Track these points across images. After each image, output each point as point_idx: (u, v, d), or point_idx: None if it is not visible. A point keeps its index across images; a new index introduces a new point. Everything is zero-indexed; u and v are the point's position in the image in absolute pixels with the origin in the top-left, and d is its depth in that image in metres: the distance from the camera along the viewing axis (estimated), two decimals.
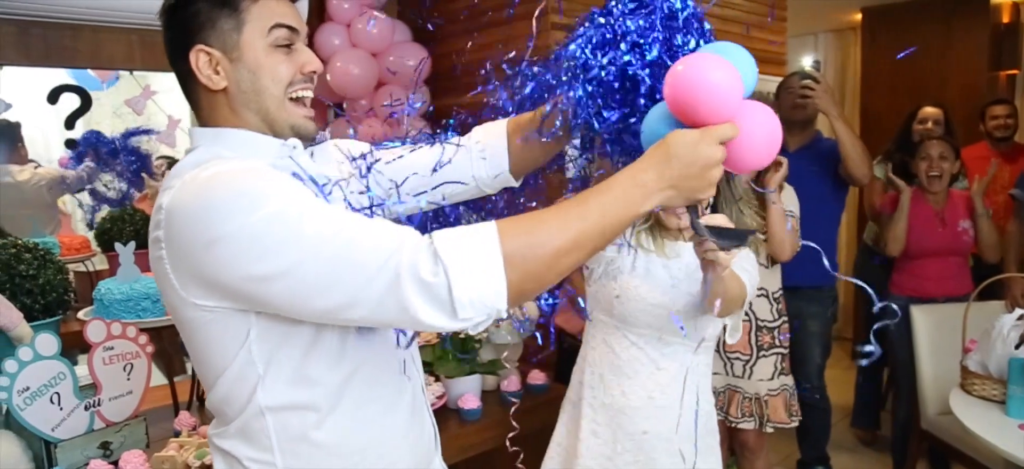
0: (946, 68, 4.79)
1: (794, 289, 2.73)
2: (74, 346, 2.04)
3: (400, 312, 0.87)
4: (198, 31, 1.00)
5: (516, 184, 1.29)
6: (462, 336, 2.19)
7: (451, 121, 1.30)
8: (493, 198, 1.35)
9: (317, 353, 1.01)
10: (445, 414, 2.15)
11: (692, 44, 1.05)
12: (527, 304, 2.26)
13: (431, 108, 3.12)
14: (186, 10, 1.00)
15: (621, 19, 1.06)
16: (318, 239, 0.87)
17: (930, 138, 3.16)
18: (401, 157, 1.25)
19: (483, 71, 1.27)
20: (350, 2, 2.97)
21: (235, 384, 1.00)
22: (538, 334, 1.36)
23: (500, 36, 2.71)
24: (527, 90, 1.23)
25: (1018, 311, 2.32)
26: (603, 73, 1.06)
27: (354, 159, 1.18)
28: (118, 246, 2.14)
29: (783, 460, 3.50)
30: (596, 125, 1.10)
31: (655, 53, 1.03)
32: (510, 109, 1.28)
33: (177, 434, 1.92)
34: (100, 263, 2.87)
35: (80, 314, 2.17)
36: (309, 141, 1.08)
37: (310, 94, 1.07)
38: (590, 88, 1.07)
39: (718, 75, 0.92)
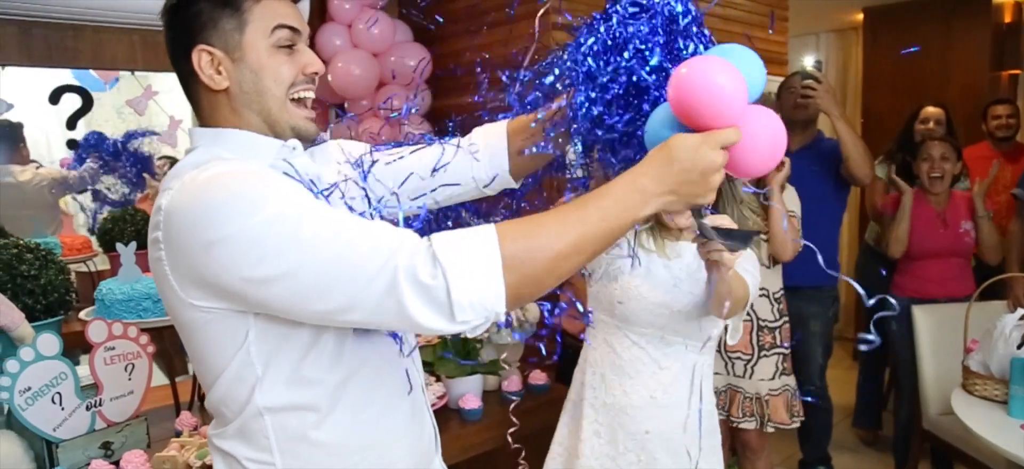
0: (948, 68, 4.79)
1: (795, 289, 2.73)
2: (76, 346, 2.04)
3: (398, 314, 0.87)
4: (200, 31, 1.00)
5: (516, 185, 1.29)
6: (462, 338, 2.19)
7: (450, 124, 1.30)
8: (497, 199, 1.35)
9: (316, 354, 1.01)
10: (446, 414, 2.15)
11: (690, 48, 1.05)
12: (528, 306, 2.26)
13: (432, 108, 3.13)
14: (188, 10, 1.00)
15: (621, 26, 1.05)
16: (317, 242, 0.87)
17: (932, 139, 3.16)
18: (401, 158, 1.24)
19: (479, 73, 1.27)
20: (351, 2, 2.97)
21: (234, 385, 1.00)
22: (543, 346, 1.35)
23: (501, 36, 2.71)
24: (529, 98, 1.23)
25: (1020, 311, 2.32)
26: (606, 80, 1.05)
27: (356, 165, 1.18)
28: (119, 246, 2.14)
29: (785, 460, 3.50)
30: (599, 133, 1.09)
31: (656, 60, 1.02)
32: (513, 105, 1.27)
33: (178, 434, 1.92)
34: (102, 263, 2.87)
35: (82, 314, 2.17)
36: (310, 142, 1.08)
37: (312, 95, 1.07)
38: (594, 94, 1.07)
39: (722, 79, 0.91)
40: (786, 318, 2.60)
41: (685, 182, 0.92)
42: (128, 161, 3.10)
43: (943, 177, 3.04)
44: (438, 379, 2.23)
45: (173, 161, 3.12)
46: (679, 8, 1.04)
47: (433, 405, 2.12)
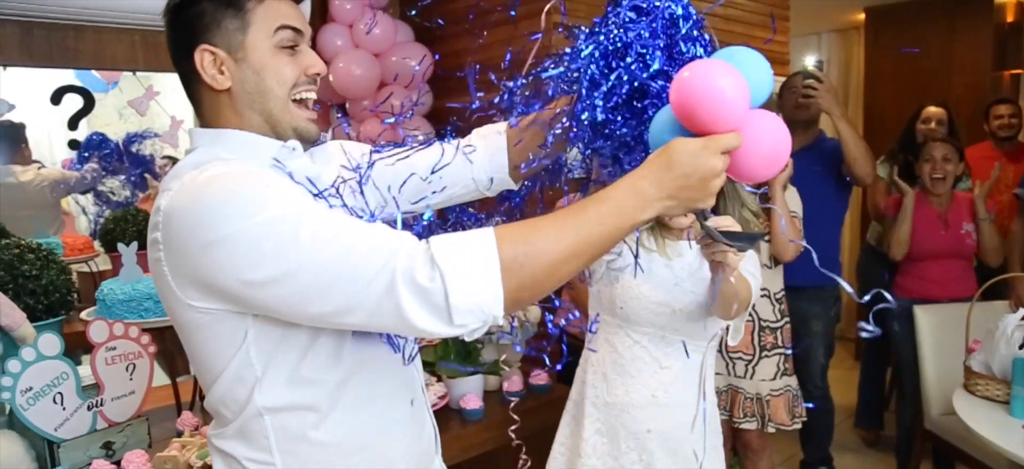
0: (950, 67, 4.78)
1: (797, 289, 2.72)
2: (77, 346, 2.05)
3: (396, 317, 0.87)
4: (203, 31, 1.00)
5: (515, 187, 1.29)
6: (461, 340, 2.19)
7: (449, 128, 1.30)
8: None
9: (315, 354, 1.01)
10: (447, 414, 2.15)
11: (692, 51, 1.04)
12: (529, 307, 2.26)
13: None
14: (191, 10, 1.00)
15: (621, 31, 1.05)
16: (315, 245, 0.87)
17: (934, 139, 3.15)
18: (402, 159, 1.24)
19: (477, 78, 1.27)
20: (352, 3, 2.97)
21: (233, 385, 1.00)
22: (547, 358, 1.35)
23: (503, 36, 2.70)
24: (525, 106, 1.23)
25: (1022, 311, 2.31)
26: (608, 88, 1.05)
27: (355, 169, 1.17)
28: (121, 246, 2.15)
29: (786, 460, 3.49)
30: (599, 140, 1.09)
31: (657, 65, 1.02)
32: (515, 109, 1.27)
33: (179, 434, 1.92)
34: (103, 263, 2.87)
35: (83, 314, 2.17)
36: (311, 143, 1.08)
37: (313, 96, 1.07)
38: (598, 102, 1.06)
39: (723, 82, 0.90)
40: (787, 318, 2.59)
41: (685, 187, 0.92)
42: (130, 163, 3.11)
43: (945, 178, 3.03)
44: (439, 379, 2.23)
45: (175, 161, 3.12)
46: (679, 11, 1.04)
47: (434, 405, 2.12)
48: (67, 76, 3.12)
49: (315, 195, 0.98)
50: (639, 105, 1.06)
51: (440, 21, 2.90)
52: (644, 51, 1.02)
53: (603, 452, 1.80)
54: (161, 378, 2.12)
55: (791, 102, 3.01)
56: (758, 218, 1.80)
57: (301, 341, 0.99)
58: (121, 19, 2.65)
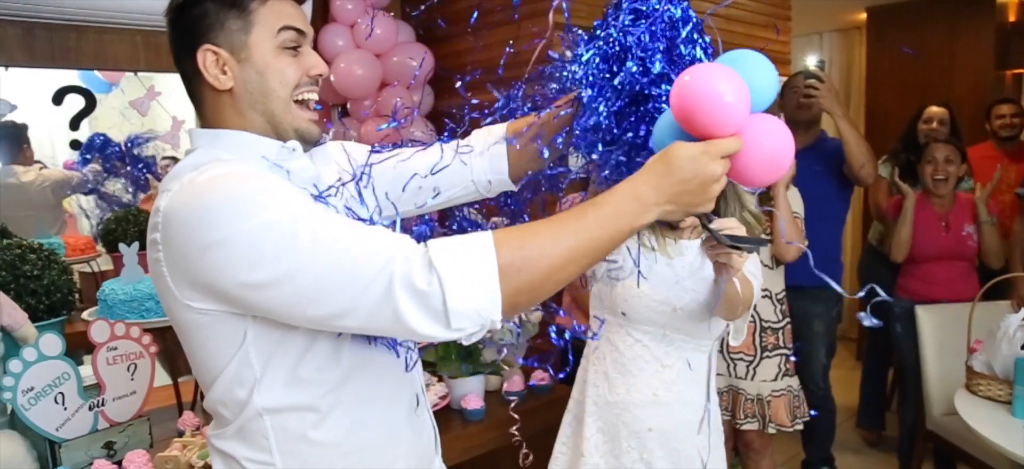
0: (951, 67, 4.77)
1: (799, 289, 2.72)
2: (79, 346, 2.05)
3: (394, 321, 0.87)
4: (206, 31, 1.00)
5: (515, 188, 1.29)
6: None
7: (447, 130, 1.30)
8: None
9: (315, 354, 1.01)
10: (448, 414, 2.15)
11: (694, 53, 1.04)
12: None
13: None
14: (194, 10, 1.00)
15: (621, 34, 1.04)
16: (313, 248, 0.86)
17: (936, 140, 3.15)
18: (404, 160, 1.24)
19: (474, 77, 1.27)
20: (354, 3, 2.97)
21: (232, 386, 1.00)
22: (551, 369, 1.36)
23: (505, 36, 2.70)
24: (529, 106, 1.23)
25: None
26: (609, 96, 1.05)
27: (356, 173, 1.17)
28: (122, 247, 2.15)
29: (788, 460, 3.49)
30: (600, 146, 1.09)
31: (659, 67, 1.02)
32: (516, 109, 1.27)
33: (181, 434, 1.93)
34: (105, 264, 2.88)
35: (84, 314, 2.17)
36: (312, 144, 1.08)
37: (315, 97, 1.07)
38: (600, 110, 1.06)
39: (723, 87, 0.90)
40: (788, 319, 2.59)
41: (684, 192, 0.91)
42: (132, 165, 3.11)
43: (947, 179, 3.03)
44: (440, 379, 2.23)
45: (177, 161, 3.12)
46: (678, 13, 1.03)
47: (435, 405, 2.12)
48: (70, 76, 3.12)
49: (315, 197, 0.98)
50: (641, 110, 1.05)
51: (441, 22, 2.90)
52: (644, 55, 1.02)
53: (605, 451, 1.80)
54: (162, 378, 2.12)
55: (793, 102, 3.01)
56: (759, 221, 1.80)
57: (300, 342, 0.99)
58: (122, 20, 2.65)
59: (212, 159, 0.99)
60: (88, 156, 3.12)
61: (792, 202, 2.55)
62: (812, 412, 2.55)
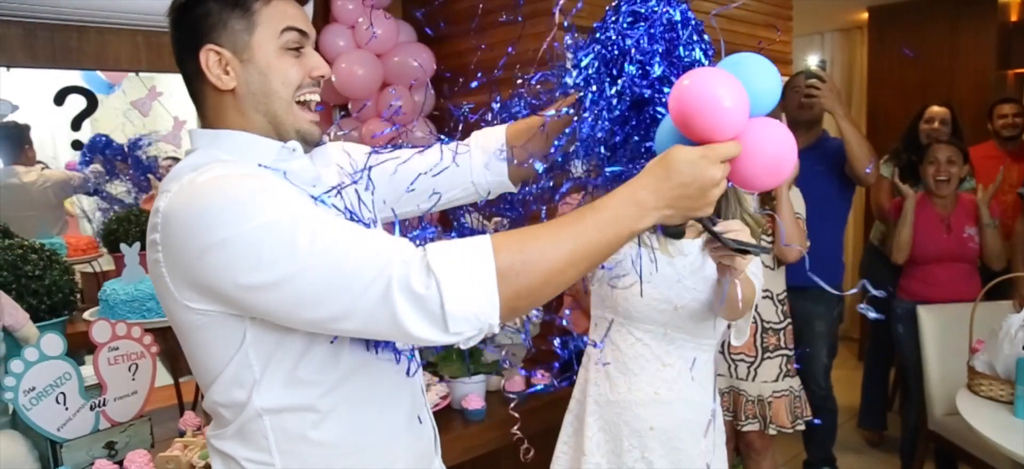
0: (953, 67, 4.77)
1: (800, 289, 2.72)
2: (81, 346, 2.05)
3: (391, 324, 0.87)
4: (209, 31, 1.00)
5: (515, 190, 1.29)
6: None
7: (444, 138, 1.30)
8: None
9: (314, 355, 1.01)
10: (449, 415, 2.15)
11: (694, 55, 1.04)
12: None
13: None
14: (197, 10, 1.01)
15: (620, 37, 1.04)
16: (311, 251, 0.86)
17: (938, 141, 3.14)
18: (406, 162, 1.24)
19: (480, 77, 1.27)
20: (355, 3, 2.97)
21: (232, 386, 1.00)
22: (556, 381, 1.36)
23: (506, 36, 2.70)
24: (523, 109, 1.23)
25: None
26: (609, 104, 1.05)
27: (356, 176, 1.17)
28: (123, 247, 2.15)
29: (789, 460, 3.49)
30: (602, 150, 1.09)
31: (659, 70, 1.01)
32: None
33: (182, 434, 1.93)
34: (107, 264, 2.88)
35: (86, 314, 2.17)
36: (312, 145, 1.08)
37: (317, 98, 1.07)
38: (601, 115, 1.06)
39: (721, 92, 0.89)
40: (790, 320, 2.59)
41: (683, 197, 0.91)
42: (134, 167, 3.11)
43: (949, 180, 3.03)
44: (441, 379, 2.23)
45: (178, 162, 3.12)
46: (677, 16, 1.03)
47: (436, 406, 2.12)
48: (72, 77, 3.12)
49: (315, 199, 0.98)
50: (643, 114, 1.05)
51: (441, 23, 2.89)
52: (643, 58, 1.02)
53: (606, 450, 1.80)
54: (164, 378, 2.12)
55: (794, 102, 3.00)
56: (757, 224, 1.80)
57: (300, 342, 0.99)
58: (124, 20, 2.65)
59: (212, 160, 0.99)
60: (90, 156, 3.12)
61: (794, 202, 2.55)
62: (815, 420, 2.55)
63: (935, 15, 4.86)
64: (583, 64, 1.07)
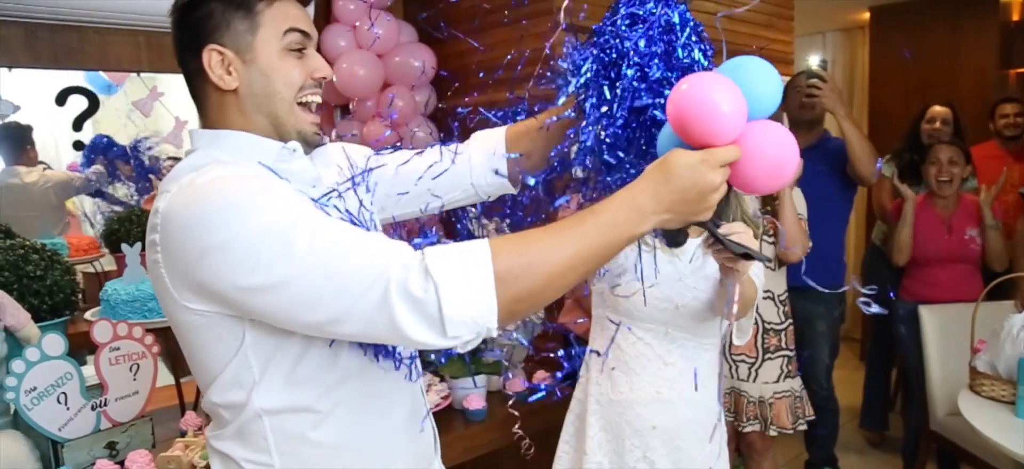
0: (955, 66, 4.76)
1: (801, 289, 2.72)
2: (82, 346, 2.05)
3: (389, 328, 0.87)
4: (212, 31, 1.00)
5: (515, 191, 1.29)
6: None
7: (442, 140, 1.30)
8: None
9: (314, 355, 1.01)
10: (450, 415, 2.15)
11: (688, 57, 1.03)
12: None
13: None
14: (200, 9, 1.01)
15: (618, 40, 1.04)
16: (309, 254, 0.86)
17: (940, 141, 3.14)
18: (402, 164, 1.24)
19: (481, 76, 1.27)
20: (356, 3, 2.97)
21: (231, 387, 1.00)
22: (558, 390, 1.36)
23: (508, 36, 2.70)
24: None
25: None
26: (609, 110, 1.05)
27: (356, 178, 1.17)
28: (125, 247, 2.15)
29: (791, 461, 3.48)
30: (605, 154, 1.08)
31: (657, 73, 1.01)
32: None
33: (183, 434, 1.93)
34: (108, 264, 2.88)
35: (87, 315, 2.18)
36: (313, 147, 1.09)
37: (318, 99, 1.07)
38: (601, 122, 1.06)
39: (717, 97, 0.89)
40: (791, 320, 2.59)
41: (682, 201, 0.91)
42: (137, 169, 3.12)
43: (951, 181, 3.02)
44: (442, 379, 2.23)
45: (179, 162, 3.12)
46: (676, 17, 1.03)
47: (437, 406, 2.12)
48: (74, 77, 3.12)
49: (315, 201, 0.98)
50: (643, 118, 1.05)
51: (442, 24, 2.89)
52: (641, 61, 1.02)
53: (608, 450, 1.80)
54: (165, 378, 2.12)
55: (795, 102, 3.00)
56: (757, 227, 1.80)
57: (299, 343, 0.99)
58: (125, 20, 2.65)
59: (211, 161, 0.99)
60: (92, 157, 3.13)
61: (796, 202, 2.55)
62: (816, 430, 2.53)
63: (936, 15, 4.86)
64: (583, 71, 1.07)
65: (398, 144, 1.32)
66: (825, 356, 2.99)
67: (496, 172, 1.25)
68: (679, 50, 1.02)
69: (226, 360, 0.98)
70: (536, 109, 1.25)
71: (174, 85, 3.13)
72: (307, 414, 1.02)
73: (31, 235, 2.35)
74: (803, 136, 3.00)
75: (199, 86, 1.04)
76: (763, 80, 0.96)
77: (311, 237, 0.87)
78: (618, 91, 1.03)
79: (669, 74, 1.01)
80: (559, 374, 1.30)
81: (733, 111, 0.90)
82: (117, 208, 3.08)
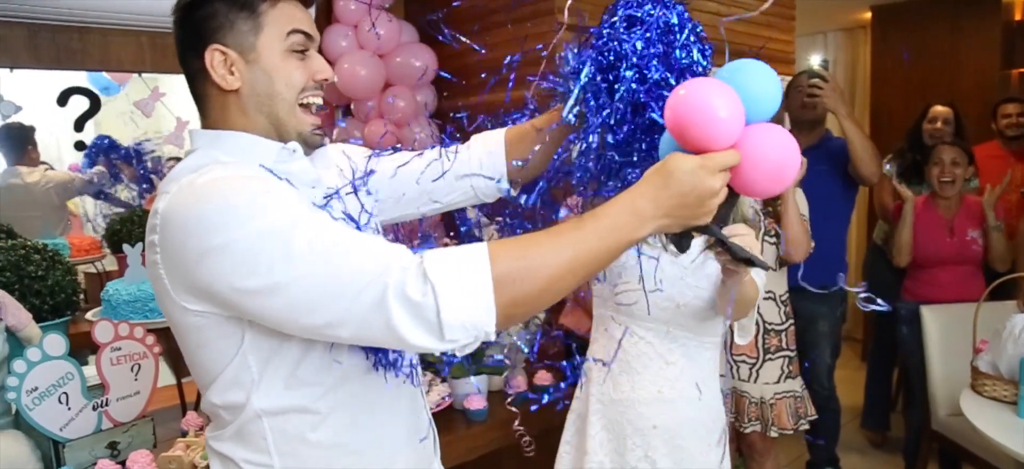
0: (957, 66, 4.75)
1: (803, 290, 2.71)
2: (83, 347, 2.05)
3: (386, 331, 0.87)
4: (215, 31, 1.00)
5: (514, 193, 1.29)
6: None
7: (448, 131, 1.30)
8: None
9: (313, 356, 1.01)
10: (451, 415, 2.15)
11: (692, 56, 1.03)
12: None
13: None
14: (202, 10, 1.01)
15: (616, 43, 1.04)
16: (308, 257, 0.86)
17: (942, 142, 3.13)
18: (402, 166, 1.24)
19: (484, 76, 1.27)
20: (357, 4, 2.97)
21: (231, 388, 1.00)
22: (562, 400, 1.35)
23: (508, 36, 2.70)
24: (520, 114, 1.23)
25: None
26: (608, 114, 1.04)
27: (358, 180, 1.17)
28: (126, 247, 2.15)
29: (792, 461, 3.48)
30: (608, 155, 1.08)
31: (657, 75, 1.01)
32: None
33: (184, 434, 1.93)
34: (110, 264, 2.88)
35: (89, 315, 2.18)
36: (314, 148, 1.09)
37: (320, 101, 1.07)
38: (601, 128, 1.06)
39: (715, 102, 0.89)
40: (792, 320, 2.58)
41: (681, 206, 0.91)
42: (139, 170, 3.12)
43: (954, 182, 3.02)
44: (443, 380, 2.22)
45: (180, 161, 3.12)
46: (674, 19, 1.03)
47: (437, 406, 2.12)
48: (76, 78, 3.12)
49: (317, 206, 0.98)
50: (642, 120, 1.05)
51: (442, 26, 2.89)
52: (639, 63, 1.01)
53: (609, 449, 1.80)
54: (166, 378, 2.12)
55: (797, 101, 3.00)
56: (757, 229, 1.79)
57: (298, 344, 0.99)
58: (127, 21, 2.66)
59: (211, 161, 0.99)
60: (93, 158, 3.13)
61: (798, 202, 2.54)
62: (815, 438, 2.53)
63: (938, 14, 4.85)
64: (582, 76, 1.07)
65: (398, 145, 1.31)
66: (827, 356, 2.99)
67: (496, 180, 1.25)
68: (677, 51, 1.02)
69: (225, 361, 0.98)
70: (536, 111, 1.25)
71: (176, 85, 3.13)
72: (307, 415, 1.02)
73: (32, 235, 2.35)
74: (805, 136, 3.00)
75: (201, 86, 1.04)
76: (762, 83, 0.96)
77: (310, 240, 0.87)
78: (617, 98, 1.03)
79: (668, 75, 1.01)
80: (562, 384, 1.29)
81: (730, 116, 0.90)
82: (119, 210, 3.08)
